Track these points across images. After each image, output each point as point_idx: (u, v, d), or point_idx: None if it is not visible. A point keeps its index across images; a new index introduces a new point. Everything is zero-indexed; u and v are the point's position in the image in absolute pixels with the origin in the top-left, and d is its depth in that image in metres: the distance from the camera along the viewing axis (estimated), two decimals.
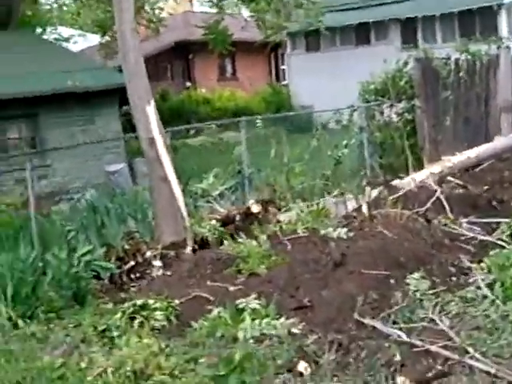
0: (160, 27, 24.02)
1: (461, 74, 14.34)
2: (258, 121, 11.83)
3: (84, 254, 8.40)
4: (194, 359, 5.45)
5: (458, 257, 7.48)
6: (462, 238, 8.20)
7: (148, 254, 9.59)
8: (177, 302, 6.65)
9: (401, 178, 13.37)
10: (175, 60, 29.58)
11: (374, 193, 10.76)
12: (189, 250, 9.63)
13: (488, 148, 11.64)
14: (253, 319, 5.92)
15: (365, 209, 8.73)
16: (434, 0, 25.84)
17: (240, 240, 8.52)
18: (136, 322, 6.40)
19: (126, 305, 6.60)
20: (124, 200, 10.30)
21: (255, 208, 10.00)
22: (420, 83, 13.83)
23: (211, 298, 6.59)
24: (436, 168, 11.20)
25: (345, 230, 7.96)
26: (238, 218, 10.24)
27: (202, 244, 9.77)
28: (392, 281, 6.66)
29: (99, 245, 9.63)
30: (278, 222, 9.49)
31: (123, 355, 5.58)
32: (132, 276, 9.22)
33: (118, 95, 18.10)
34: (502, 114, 15.50)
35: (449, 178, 11.17)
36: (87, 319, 6.68)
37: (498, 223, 8.60)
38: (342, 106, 14.17)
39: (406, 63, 14.06)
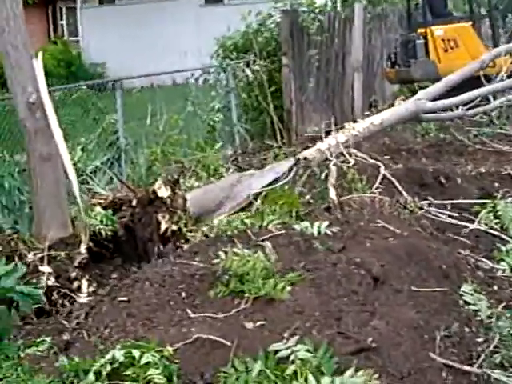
0: None
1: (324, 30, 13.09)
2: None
3: None
4: None
5: (467, 255, 6.15)
6: (444, 226, 6.89)
7: (30, 256, 7.31)
8: (170, 349, 4.54)
9: (271, 146, 12.05)
10: None
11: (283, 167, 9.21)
12: (83, 248, 7.49)
13: (392, 114, 10.49)
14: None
15: (332, 193, 7.03)
16: None
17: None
18: None
19: (101, 361, 4.35)
20: None
21: (163, 191, 7.95)
22: (287, 39, 12.40)
23: (224, 342, 4.49)
24: (340, 137, 9.81)
25: (325, 224, 6.16)
26: (134, 203, 8.18)
27: (96, 240, 7.69)
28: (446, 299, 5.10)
29: None
30: None
31: None
32: None
33: None
34: (354, 73, 14.58)
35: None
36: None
37: (471, 205, 7.43)
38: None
39: (270, 15, 12.50)
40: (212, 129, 10.60)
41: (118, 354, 4.41)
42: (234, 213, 8.87)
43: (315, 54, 12.76)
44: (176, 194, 8.08)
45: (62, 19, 29.69)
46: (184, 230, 7.98)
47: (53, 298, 6.96)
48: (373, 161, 8.67)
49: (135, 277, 5.67)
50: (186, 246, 6.16)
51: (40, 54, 7.21)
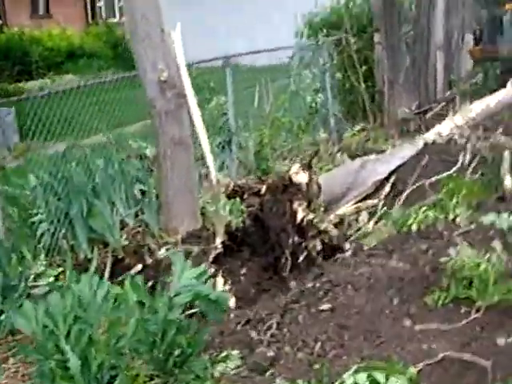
0: None
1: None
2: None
3: None
4: None
5: None
6: None
7: (162, 251, 6.58)
8: (413, 370, 3.75)
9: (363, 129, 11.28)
10: None
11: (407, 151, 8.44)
12: (219, 242, 6.76)
13: (507, 94, 9.70)
14: None
15: (509, 181, 6.18)
16: None
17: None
18: None
19: None
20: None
21: (301, 177, 7.13)
22: (379, 14, 11.56)
23: (478, 362, 3.71)
24: (458, 119, 9.02)
25: None
26: (263, 191, 7.39)
27: (227, 232, 6.94)
28: None
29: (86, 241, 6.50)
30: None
31: None
32: None
33: None
34: (437, 52, 13.71)
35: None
36: None
37: None
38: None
39: None
40: (314, 110, 9.78)
41: (360, 377, 3.66)
42: (361, 200, 8.16)
43: (408, 31, 11.90)
44: (312, 180, 7.27)
45: (99, 0, 28.83)
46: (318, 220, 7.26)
47: None
48: None
49: (328, 280, 4.86)
50: (371, 242, 5.26)
51: (178, 26, 6.40)
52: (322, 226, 7.35)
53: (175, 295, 4.21)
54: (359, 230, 7.54)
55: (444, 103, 12.92)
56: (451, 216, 5.44)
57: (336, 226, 7.54)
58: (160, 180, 6.75)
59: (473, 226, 5.31)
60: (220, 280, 6.52)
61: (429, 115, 12.47)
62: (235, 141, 8.42)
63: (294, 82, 9.72)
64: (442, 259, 4.42)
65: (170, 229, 6.74)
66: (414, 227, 5.36)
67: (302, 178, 7.15)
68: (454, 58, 14.66)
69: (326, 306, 4.53)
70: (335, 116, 10.92)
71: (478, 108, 9.23)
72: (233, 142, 8.43)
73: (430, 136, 8.68)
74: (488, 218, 5.45)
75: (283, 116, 9.26)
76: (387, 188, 8.11)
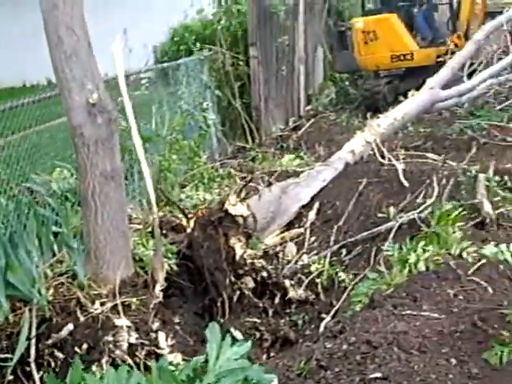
0: None
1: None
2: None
3: None
4: None
5: None
6: None
7: (96, 305, 5.54)
8: None
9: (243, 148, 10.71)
10: None
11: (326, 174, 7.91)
12: (158, 290, 5.85)
13: (411, 106, 9.37)
14: None
15: (488, 206, 5.68)
16: None
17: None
18: None
19: None
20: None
21: (239, 208, 6.32)
22: (255, 28, 10.99)
23: None
24: (367, 135, 8.59)
25: None
26: (190, 226, 6.55)
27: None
28: None
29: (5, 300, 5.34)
30: None
31: None
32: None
33: None
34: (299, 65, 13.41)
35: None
36: None
37: None
38: None
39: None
40: (205, 131, 8.99)
41: None
42: (284, 231, 7.50)
43: (285, 41, 11.41)
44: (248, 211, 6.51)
45: None
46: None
47: (137, 359, 5.34)
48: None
49: (359, 339, 4.08)
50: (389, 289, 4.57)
51: (118, 38, 5.39)
52: (259, 262, 6.68)
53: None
54: (296, 262, 6.93)
55: (312, 119, 12.65)
56: (455, 251, 4.87)
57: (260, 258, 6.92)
58: (88, 222, 5.66)
59: (483, 261, 4.77)
60: (162, 335, 5.63)
61: (301, 132, 12.10)
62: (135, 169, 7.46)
63: (183, 100, 8.85)
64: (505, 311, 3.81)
65: (101, 278, 5.70)
66: (422, 266, 4.73)
67: (240, 209, 6.39)
68: (310, 71, 14.42)
69: (376, 375, 3.77)
70: (216, 135, 10.18)
71: (385, 122, 8.84)
72: (134, 170, 7.46)
73: (345, 155, 8.16)
74: (490, 251, 4.97)
75: (179, 138, 8.38)
76: (312, 215, 7.52)
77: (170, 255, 6.21)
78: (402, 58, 13.65)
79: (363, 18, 14.44)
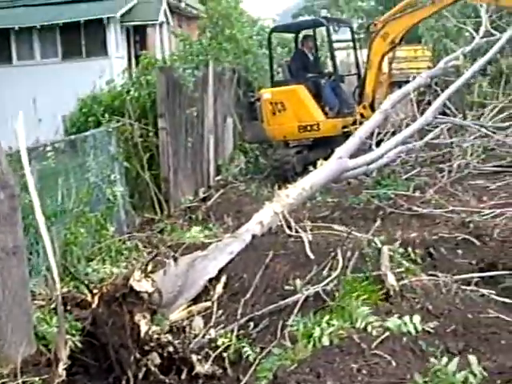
0: None
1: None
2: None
3: None
4: None
5: None
6: None
7: None
8: None
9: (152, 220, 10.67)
10: None
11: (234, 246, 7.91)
12: (61, 369, 5.70)
13: (319, 176, 9.49)
14: None
15: (391, 278, 5.72)
16: (31, 9, 21.96)
17: None
18: None
19: None
20: None
21: (144, 284, 6.24)
22: (164, 99, 11.07)
23: None
24: (276, 206, 8.66)
25: (416, 318, 4.92)
26: (95, 302, 6.42)
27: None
28: None
29: None
30: None
31: None
32: None
33: None
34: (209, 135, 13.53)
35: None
36: None
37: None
38: None
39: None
40: (112, 203, 8.93)
41: None
42: (191, 305, 7.43)
43: (193, 112, 11.52)
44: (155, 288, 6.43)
45: None
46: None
47: None
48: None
49: None
50: None
51: (21, 115, 5.33)
52: (165, 337, 6.57)
53: None
54: (203, 336, 6.85)
55: (222, 190, 12.73)
56: (360, 324, 4.92)
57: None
58: None
59: (387, 334, 4.83)
60: None
61: (210, 202, 12.14)
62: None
63: (91, 172, 8.78)
64: None
65: (2, 357, 5.55)
66: (326, 341, 4.75)
67: (145, 285, 6.30)
68: (220, 141, 14.56)
69: None
70: (125, 207, 10.10)
71: (293, 193, 8.94)
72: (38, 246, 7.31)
73: (253, 226, 8.19)
74: (393, 323, 5.06)
75: (86, 210, 8.28)
76: (220, 288, 7.48)
77: (74, 332, 6.07)
78: (308, 128, 13.93)
79: (272, 89, 14.73)
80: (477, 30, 14.34)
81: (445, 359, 4.37)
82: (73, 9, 21.99)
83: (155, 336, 6.45)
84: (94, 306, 6.43)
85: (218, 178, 13.76)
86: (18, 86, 20.38)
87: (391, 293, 5.68)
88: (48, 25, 21.34)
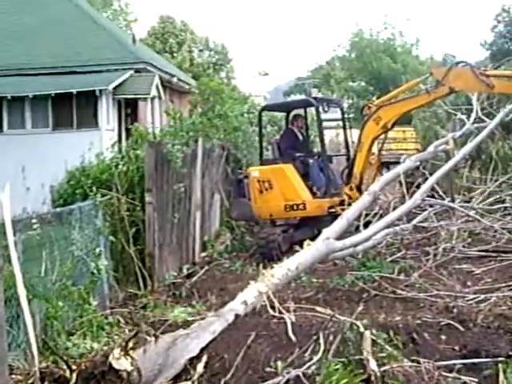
0: None
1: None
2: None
3: None
4: None
5: None
6: None
7: None
8: None
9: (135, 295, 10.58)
10: None
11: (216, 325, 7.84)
12: None
13: (306, 257, 9.47)
14: None
15: (373, 364, 5.69)
16: (24, 79, 22.22)
17: None
18: None
19: None
20: None
21: (123, 363, 6.16)
22: (152, 173, 11.12)
23: None
24: (260, 286, 8.62)
25: None
26: (73, 379, 6.33)
27: None
28: None
29: None
30: None
31: None
32: None
33: None
34: (196, 212, 13.55)
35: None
36: None
37: None
38: None
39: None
40: (96, 277, 8.88)
41: None
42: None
43: (181, 188, 11.57)
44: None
45: None
46: None
47: None
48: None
49: None
50: None
51: (7, 187, 5.35)
52: None
53: None
54: None
55: (207, 267, 12.70)
56: None
57: None
58: None
59: None
60: None
61: (194, 279, 12.09)
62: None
63: (75, 245, 8.76)
64: None
65: None
66: None
67: (124, 364, 6.24)
68: (206, 217, 14.57)
69: None
70: (108, 282, 10.04)
71: (279, 273, 8.91)
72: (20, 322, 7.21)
73: (237, 306, 8.13)
74: None
75: (68, 284, 8.22)
76: (200, 368, 7.37)
77: None
78: (294, 207, 13.97)
79: (260, 167, 14.83)
80: (468, 117, 14.60)
81: None
82: (66, 79, 22.25)
83: None
84: (72, 382, 6.36)
85: (203, 254, 13.72)
86: (8, 154, 20.48)
87: (372, 378, 5.63)
88: (40, 94, 21.51)
